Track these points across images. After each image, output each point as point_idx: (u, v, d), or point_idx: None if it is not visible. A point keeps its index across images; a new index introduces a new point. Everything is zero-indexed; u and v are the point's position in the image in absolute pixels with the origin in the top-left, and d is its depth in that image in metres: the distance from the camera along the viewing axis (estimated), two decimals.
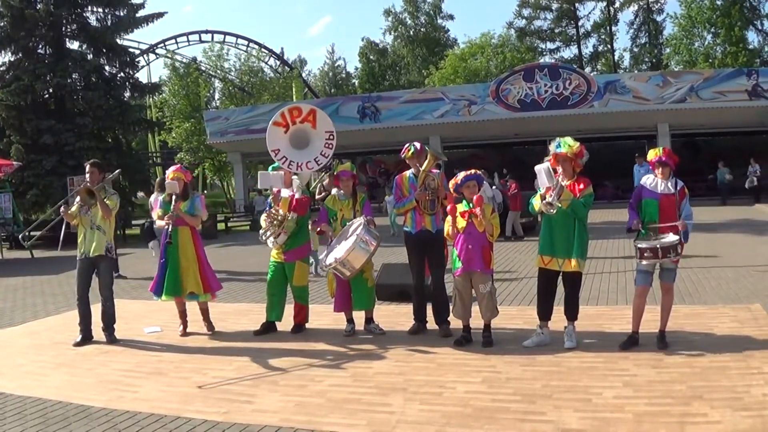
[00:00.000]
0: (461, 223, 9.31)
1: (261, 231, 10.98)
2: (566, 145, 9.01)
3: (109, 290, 11.15)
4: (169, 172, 11.24)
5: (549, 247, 9.12)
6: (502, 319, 10.11)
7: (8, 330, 12.68)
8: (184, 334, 11.20)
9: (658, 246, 8.49)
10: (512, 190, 22.70)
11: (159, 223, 11.12)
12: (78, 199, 10.91)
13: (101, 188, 10.97)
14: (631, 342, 8.88)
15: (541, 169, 8.91)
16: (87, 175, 10.97)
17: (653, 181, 8.99)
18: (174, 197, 10.86)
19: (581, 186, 9.00)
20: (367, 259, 9.88)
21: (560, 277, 9.24)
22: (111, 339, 11.00)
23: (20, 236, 12.73)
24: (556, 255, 9.05)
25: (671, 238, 8.56)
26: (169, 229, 10.71)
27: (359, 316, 10.70)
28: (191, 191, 11.35)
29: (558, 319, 9.33)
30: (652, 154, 9.03)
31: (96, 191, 10.82)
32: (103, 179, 11.15)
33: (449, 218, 9.51)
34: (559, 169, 9.09)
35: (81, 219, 10.93)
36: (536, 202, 9.06)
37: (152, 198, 18.63)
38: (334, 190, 10.85)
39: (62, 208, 10.89)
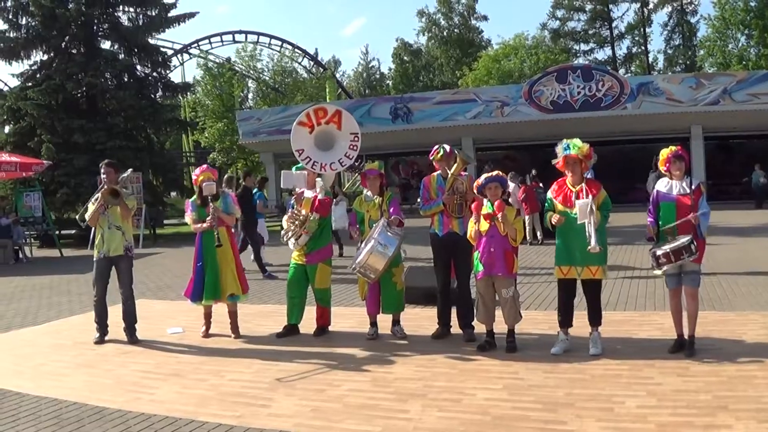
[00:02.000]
0: (484, 225, 9.17)
1: (282, 232, 10.92)
2: (575, 147, 8.88)
3: (129, 289, 11.15)
4: (198, 174, 11.15)
5: (566, 256, 8.96)
6: (527, 323, 9.98)
7: (31, 329, 12.68)
8: (206, 335, 11.12)
9: (669, 250, 8.36)
10: (521, 194, 22.24)
11: (195, 227, 11.00)
12: (100, 200, 10.87)
13: (121, 188, 10.98)
14: (679, 345, 8.75)
15: (584, 204, 8.69)
16: (103, 176, 10.96)
17: (667, 184, 8.84)
18: (210, 199, 10.82)
19: (594, 192, 8.83)
20: (389, 261, 9.75)
21: (579, 284, 9.12)
22: (132, 339, 10.99)
23: (77, 216, 12.60)
24: (575, 263, 8.89)
25: (683, 239, 8.41)
26: (216, 232, 10.75)
27: (383, 320, 10.60)
28: (221, 190, 11.29)
29: (582, 325, 9.14)
30: (665, 153, 8.84)
31: (120, 191, 10.82)
32: (118, 179, 11.14)
33: (473, 218, 9.38)
34: (568, 173, 8.97)
35: (99, 220, 10.90)
36: (553, 218, 8.97)
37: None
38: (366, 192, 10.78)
39: (87, 215, 10.96)
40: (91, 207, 11.03)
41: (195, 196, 11.15)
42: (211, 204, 10.77)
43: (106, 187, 10.83)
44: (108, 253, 10.92)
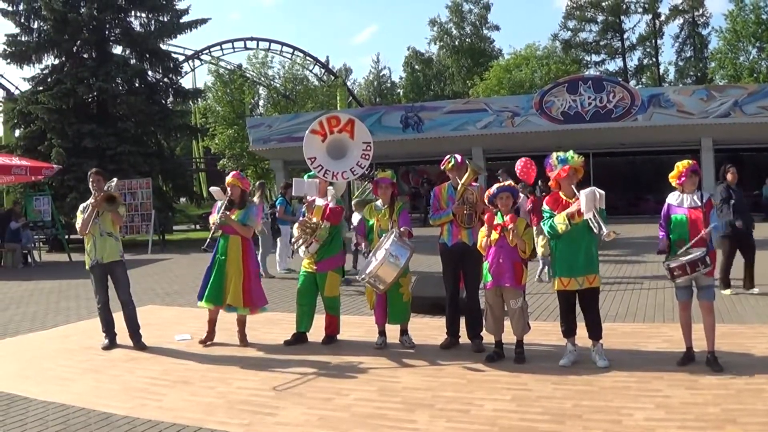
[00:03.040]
0: (494, 235, 9.17)
1: (293, 240, 10.93)
2: (572, 158, 8.95)
3: (127, 294, 11.23)
4: (228, 179, 11.13)
5: (567, 268, 8.93)
6: (536, 334, 9.97)
7: (39, 333, 12.71)
8: (204, 342, 11.08)
9: (685, 262, 8.37)
10: (528, 204, 22.05)
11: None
12: (93, 207, 10.88)
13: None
14: (688, 358, 8.75)
15: (591, 192, 8.63)
16: (93, 183, 10.98)
17: (678, 197, 8.86)
18: (225, 204, 10.79)
19: None
20: (399, 272, 9.73)
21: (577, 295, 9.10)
22: (139, 345, 11.00)
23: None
24: (575, 275, 8.87)
25: (698, 251, 8.42)
26: (215, 235, 10.68)
27: (392, 329, 10.57)
28: (249, 200, 11.25)
29: (585, 335, 9.13)
30: (681, 167, 8.83)
31: (117, 196, 10.89)
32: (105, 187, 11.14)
33: (483, 229, 9.37)
34: (564, 185, 8.98)
35: (90, 227, 10.95)
36: (561, 224, 8.86)
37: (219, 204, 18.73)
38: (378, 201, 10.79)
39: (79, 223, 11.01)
40: (80, 215, 11.07)
41: (224, 200, 11.10)
42: (223, 210, 10.73)
43: (102, 193, 10.85)
44: (102, 259, 10.98)
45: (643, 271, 17.30)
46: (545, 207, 9.12)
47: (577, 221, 8.63)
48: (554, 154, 9.06)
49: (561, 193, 9.03)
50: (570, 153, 9.00)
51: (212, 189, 11.08)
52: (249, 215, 10.96)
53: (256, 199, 18.98)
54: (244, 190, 11.09)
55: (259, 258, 19.27)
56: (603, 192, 8.67)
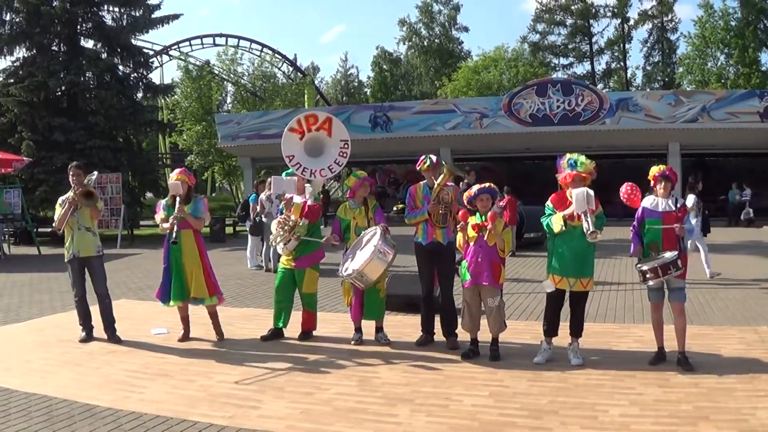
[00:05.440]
0: (471, 233, 9.30)
1: (271, 237, 11.01)
2: (582, 164, 8.99)
3: (104, 287, 11.30)
4: (173, 175, 11.17)
5: (561, 267, 9.06)
6: (510, 333, 10.05)
7: (14, 326, 12.72)
8: (183, 339, 11.12)
9: (657, 265, 8.55)
10: (502, 203, 22.27)
11: (162, 226, 11.02)
12: (70, 201, 10.95)
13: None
14: (659, 358, 8.95)
15: (581, 192, 8.76)
16: (73, 177, 11.08)
17: (653, 201, 9.08)
18: (177, 199, 10.82)
19: (593, 208, 8.94)
20: (386, 269, 9.89)
21: (566, 295, 9.25)
22: (115, 338, 11.07)
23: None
24: (568, 275, 9.02)
25: (669, 254, 8.61)
26: (174, 231, 10.59)
27: (367, 326, 10.68)
28: (194, 194, 11.31)
29: (562, 335, 9.33)
30: (655, 170, 9.02)
31: (94, 192, 10.94)
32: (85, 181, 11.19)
33: (460, 228, 9.50)
34: (573, 189, 9.04)
35: (69, 221, 11.03)
36: (557, 223, 9.00)
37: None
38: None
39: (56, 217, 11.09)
40: (59, 209, 11.14)
41: (168, 197, 11.19)
42: (177, 204, 10.79)
43: (80, 188, 10.92)
44: (79, 253, 11.04)
45: (612, 273, 17.48)
46: (549, 204, 9.21)
47: (576, 224, 8.80)
48: (567, 156, 9.15)
49: (568, 193, 9.13)
50: (580, 158, 9.08)
51: (171, 183, 11.09)
52: (198, 208, 11.01)
53: (265, 194, 18.95)
54: (190, 186, 11.14)
55: (263, 252, 19.51)
56: (592, 192, 8.80)
